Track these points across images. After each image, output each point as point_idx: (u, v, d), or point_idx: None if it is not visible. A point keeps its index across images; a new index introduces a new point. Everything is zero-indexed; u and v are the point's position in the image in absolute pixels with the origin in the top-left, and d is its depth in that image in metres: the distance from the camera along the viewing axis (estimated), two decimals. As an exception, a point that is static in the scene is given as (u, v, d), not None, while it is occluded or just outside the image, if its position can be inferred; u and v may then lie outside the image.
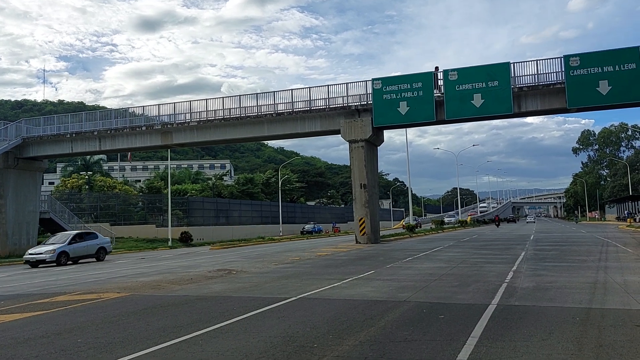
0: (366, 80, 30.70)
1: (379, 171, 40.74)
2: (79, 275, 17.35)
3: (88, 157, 61.21)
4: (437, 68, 29.59)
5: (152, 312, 8.73)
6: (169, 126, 33.99)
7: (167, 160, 48.46)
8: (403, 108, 29.36)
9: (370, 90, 30.19)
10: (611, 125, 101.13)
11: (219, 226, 51.12)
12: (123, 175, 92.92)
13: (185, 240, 40.14)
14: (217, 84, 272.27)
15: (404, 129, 44.48)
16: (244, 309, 8.55)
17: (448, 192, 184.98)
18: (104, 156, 77.63)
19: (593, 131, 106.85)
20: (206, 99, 33.71)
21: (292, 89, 32.42)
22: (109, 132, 34.83)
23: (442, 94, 28.79)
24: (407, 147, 49.88)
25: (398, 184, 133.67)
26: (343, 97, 30.81)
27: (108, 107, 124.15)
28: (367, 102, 30.22)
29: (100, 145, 35.60)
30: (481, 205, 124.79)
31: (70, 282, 14.80)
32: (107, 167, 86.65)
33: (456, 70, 28.84)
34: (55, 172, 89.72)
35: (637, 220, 58.78)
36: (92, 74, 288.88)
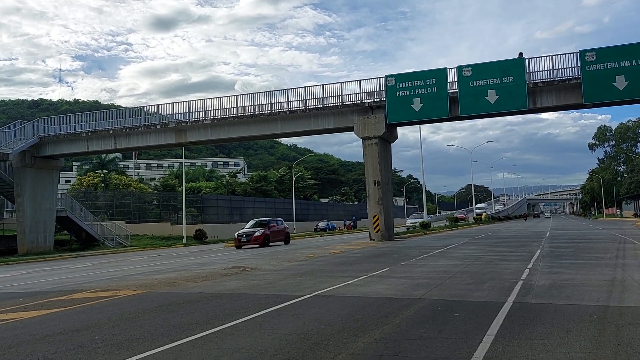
0: (379, 77, 30.64)
1: (392, 168, 40.52)
2: (95, 272, 17.55)
3: (103, 155, 61.86)
4: (521, 54, 28.46)
5: (168, 309, 8.80)
6: (183, 124, 34.21)
7: (182, 158, 48.81)
8: (417, 104, 29.22)
9: (383, 87, 30.09)
10: (628, 121, 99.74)
11: (233, 224, 51.34)
12: (138, 174, 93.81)
13: (200, 237, 40.40)
14: (230, 81, 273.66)
15: (418, 126, 44.25)
16: (259, 306, 8.59)
17: (462, 188, 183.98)
18: (119, 154, 78.40)
19: (609, 127, 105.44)
20: (220, 97, 33.93)
21: (305, 87, 32.46)
22: (124, 130, 35.14)
23: (456, 90, 28.63)
24: (421, 143, 49.77)
25: (412, 180, 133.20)
26: (356, 94, 30.77)
27: (123, 105, 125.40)
28: (380, 99, 30.14)
29: (115, 144, 35.95)
30: (479, 206, 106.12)
31: (87, 279, 14.98)
32: (122, 166, 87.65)
33: (470, 66, 28.61)
34: (72, 171, 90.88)
35: (656, 216, 57.84)
36: (108, 73, 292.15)
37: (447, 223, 59.86)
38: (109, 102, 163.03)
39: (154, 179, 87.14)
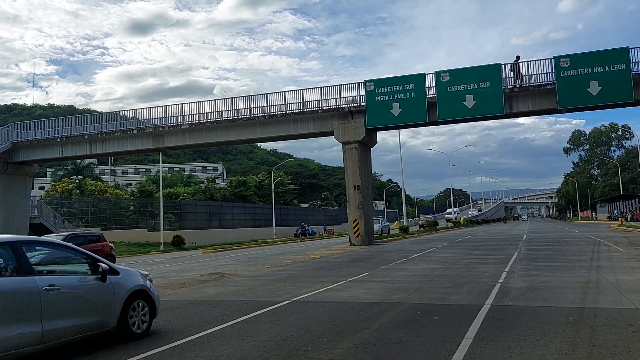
0: (359, 82, 30.83)
1: (372, 172, 40.40)
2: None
3: (79, 161, 60.85)
4: (518, 57, 28.38)
5: (144, 317, 8.64)
6: (160, 129, 33.86)
7: (159, 163, 48.29)
8: (396, 109, 29.43)
9: (363, 92, 30.25)
10: (601, 126, 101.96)
11: (212, 229, 50.89)
12: (114, 179, 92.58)
13: (178, 244, 39.89)
14: (209, 86, 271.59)
15: (397, 130, 44.51)
16: (237, 312, 8.50)
17: (441, 192, 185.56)
18: (94, 160, 77.22)
19: (584, 131, 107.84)
20: (198, 102, 33.72)
21: (284, 91, 32.44)
22: (99, 135, 34.64)
23: (435, 95, 28.92)
24: (400, 148, 49.98)
25: (392, 185, 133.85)
26: (336, 98, 30.88)
27: (99, 110, 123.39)
28: (360, 104, 30.28)
29: (90, 149, 35.40)
30: (449, 211, 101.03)
31: (62, 287, 14.64)
32: (98, 171, 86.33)
33: (448, 71, 28.96)
34: (46, 177, 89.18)
35: (629, 219, 59.21)
36: (83, 77, 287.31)
37: (427, 227, 60.25)
38: (85, 107, 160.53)
39: (131, 184, 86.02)
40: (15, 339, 5.27)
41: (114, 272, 6.75)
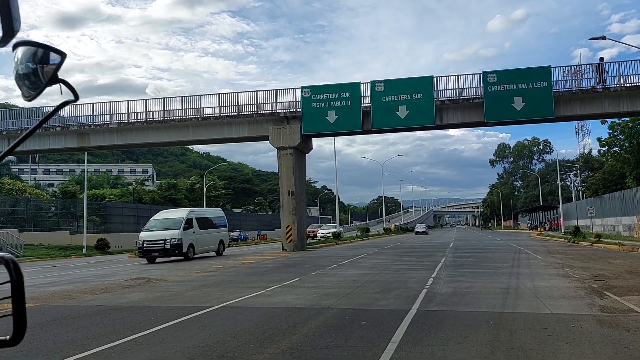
0: (295, 88, 30.83)
1: (307, 179, 40.44)
2: (-20, 285, 15.99)
3: (-5, 158, 56.98)
4: (602, 59, 27.71)
5: (61, 323, 8.16)
6: (86, 127, 32.36)
7: (84, 163, 46.12)
8: (331, 117, 29.72)
9: (299, 98, 30.31)
10: (524, 140, 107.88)
11: (139, 233, 49.01)
12: (35, 179, 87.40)
13: (102, 247, 38.18)
14: (141, 85, 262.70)
15: (333, 138, 44.94)
16: (162, 318, 8.20)
17: (374, 200, 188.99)
18: (13, 158, 72.68)
19: (509, 144, 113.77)
20: (127, 101, 32.46)
21: (219, 93, 31.91)
22: (19, 132, 32.55)
23: (370, 104, 29.46)
24: (335, 155, 50.32)
25: (326, 191, 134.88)
26: (272, 103, 30.74)
27: (20, 105, 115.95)
28: (296, 110, 30.31)
29: (9, 146, 33.22)
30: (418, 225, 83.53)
31: (-31, 292, 13.58)
32: (16, 170, 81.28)
33: (383, 81, 29.61)
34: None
35: (547, 229, 62.93)
36: (4, 70, 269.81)
37: (358, 233, 61.22)
38: (4, 102, 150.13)
39: (53, 184, 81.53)
40: None
41: None
